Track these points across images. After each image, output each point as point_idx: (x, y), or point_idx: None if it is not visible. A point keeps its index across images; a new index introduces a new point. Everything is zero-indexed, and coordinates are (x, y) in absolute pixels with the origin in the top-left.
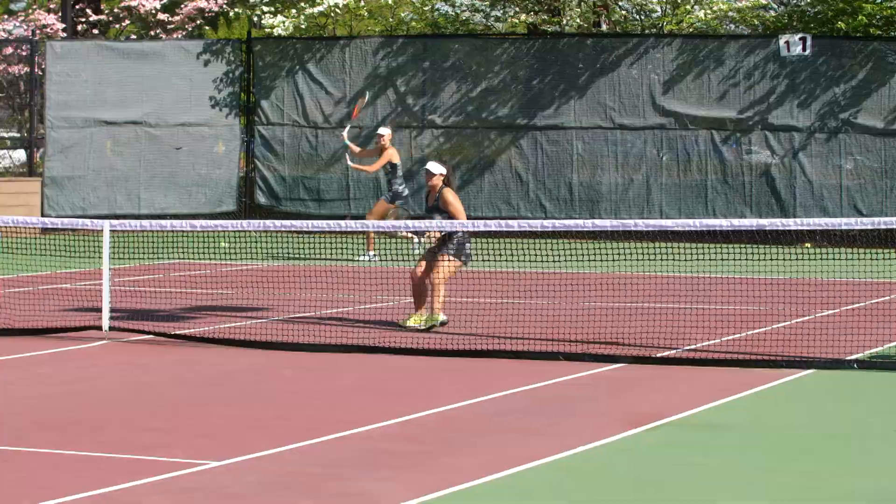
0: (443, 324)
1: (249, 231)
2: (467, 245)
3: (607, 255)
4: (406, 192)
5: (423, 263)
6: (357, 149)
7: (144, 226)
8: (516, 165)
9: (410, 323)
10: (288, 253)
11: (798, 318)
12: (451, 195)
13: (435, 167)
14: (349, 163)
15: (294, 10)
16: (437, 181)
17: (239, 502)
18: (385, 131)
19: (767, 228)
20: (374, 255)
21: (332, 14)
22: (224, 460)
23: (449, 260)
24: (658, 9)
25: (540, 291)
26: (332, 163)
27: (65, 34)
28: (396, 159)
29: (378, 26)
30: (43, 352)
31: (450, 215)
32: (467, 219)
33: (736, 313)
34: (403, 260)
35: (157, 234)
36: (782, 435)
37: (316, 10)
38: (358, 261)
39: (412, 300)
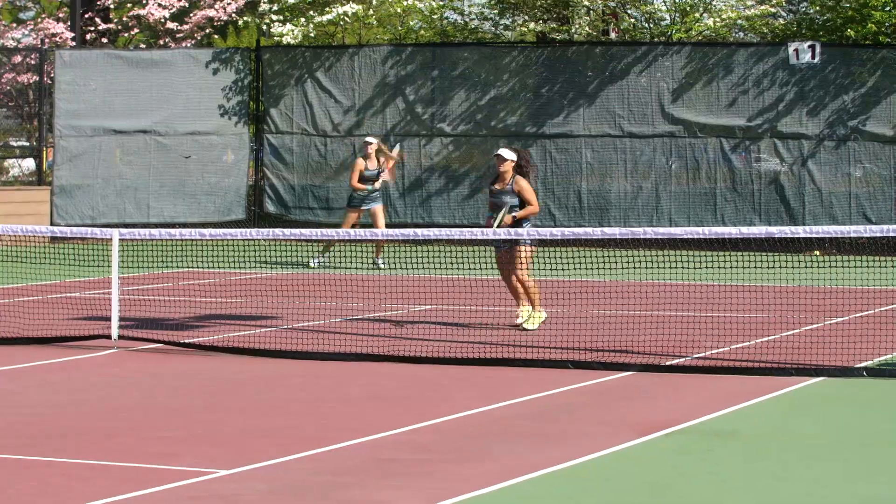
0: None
1: (258, 240)
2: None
3: (616, 263)
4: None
5: (503, 263)
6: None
7: (154, 234)
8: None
9: (529, 325)
10: (297, 261)
11: (807, 326)
12: (524, 182)
13: (507, 153)
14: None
15: (303, 19)
16: (509, 167)
17: None
18: (373, 139)
19: (776, 236)
20: (383, 262)
21: (341, 22)
22: (233, 469)
23: (526, 250)
24: (667, 17)
25: (549, 299)
26: (340, 171)
27: (74, 43)
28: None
29: (387, 35)
30: (52, 361)
31: (524, 201)
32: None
33: (745, 321)
34: (413, 268)
35: (166, 242)
36: (792, 443)
37: (325, 18)
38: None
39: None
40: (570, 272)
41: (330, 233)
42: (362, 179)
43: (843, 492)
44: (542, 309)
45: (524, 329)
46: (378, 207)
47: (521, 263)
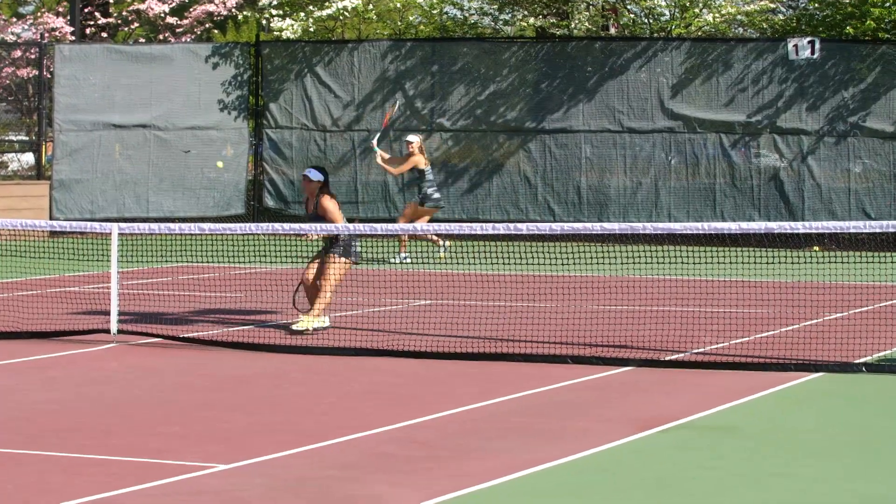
0: (320, 329)
1: (258, 234)
2: (355, 244)
3: (616, 258)
4: (437, 194)
5: (313, 266)
6: (386, 155)
7: (153, 229)
8: (525, 169)
9: (299, 326)
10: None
11: (806, 322)
12: (328, 201)
13: (314, 174)
14: (377, 160)
15: (303, 14)
16: (314, 187)
17: None
18: (414, 138)
19: (776, 232)
20: (407, 256)
21: (341, 17)
22: (233, 464)
23: (337, 261)
24: (666, 12)
25: (548, 295)
26: (340, 166)
27: (73, 37)
28: (423, 165)
29: (386, 30)
30: (51, 355)
31: (327, 222)
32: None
33: (744, 316)
34: (423, 263)
35: (165, 237)
36: (792, 438)
37: (324, 13)
38: (392, 263)
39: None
40: (569, 267)
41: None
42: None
43: (842, 488)
44: (326, 317)
45: (292, 330)
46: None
47: (333, 274)
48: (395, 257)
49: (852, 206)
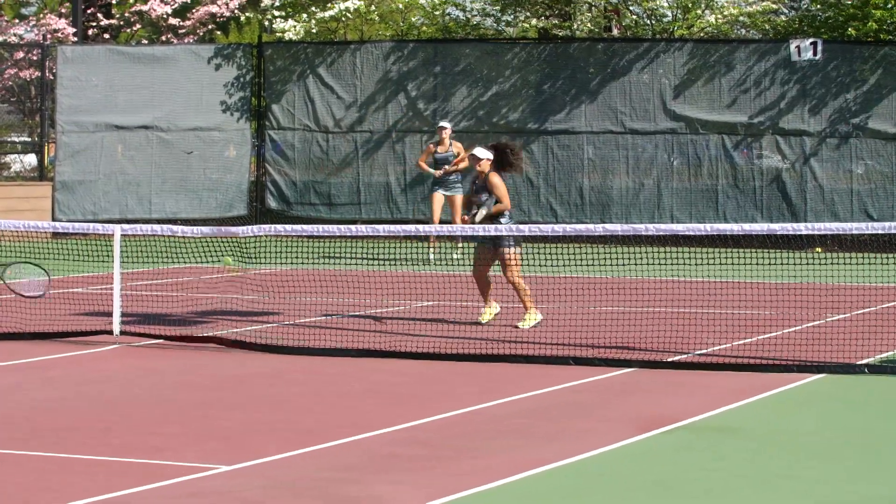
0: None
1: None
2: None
3: (618, 259)
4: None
5: (481, 265)
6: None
7: (156, 230)
8: (527, 170)
9: (522, 324)
10: (298, 257)
11: (809, 323)
12: (496, 179)
13: (481, 152)
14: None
15: (305, 15)
16: (485, 166)
17: None
18: (447, 124)
19: (778, 233)
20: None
21: (343, 18)
22: (234, 465)
23: (512, 255)
24: (669, 13)
25: (551, 295)
26: (342, 167)
27: (75, 39)
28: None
29: (389, 31)
30: (54, 356)
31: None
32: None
33: (747, 318)
34: (414, 264)
35: (167, 238)
36: (794, 440)
37: (327, 14)
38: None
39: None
40: (571, 268)
41: (429, 228)
42: (434, 163)
43: (845, 490)
44: (537, 311)
45: (516, 327)
46: (458, 196)
47: (509, 266)
48: (454, 251)
49: (855, 208)
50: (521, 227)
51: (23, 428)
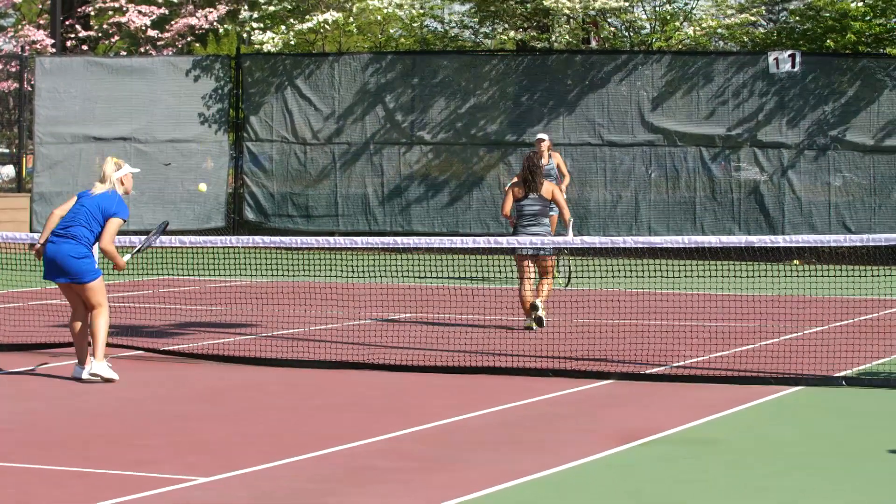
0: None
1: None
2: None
3: (595, 271)
4: None
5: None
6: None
7: (133, 242)
8: (505, 182)
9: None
10: (276, 269)
11: (787, 335)
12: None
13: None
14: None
15: (283, 27)
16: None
17: None
18: (544, 136)
19: (756, 245)
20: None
21: (322, 30)
22: (213, 476)
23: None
24: (647, 25)
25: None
26: (320, 179)
27: (54, 50)
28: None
29: (367, 42)
30: (31, 367)
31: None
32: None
33: (724, 330)
34: (393, 276)
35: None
36: (773, 452)
37: (305, 26)
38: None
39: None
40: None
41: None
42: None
43: (824, 502)
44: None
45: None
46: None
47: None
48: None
49: (832, 220)
50: (500, 239)
51: (1, 440)
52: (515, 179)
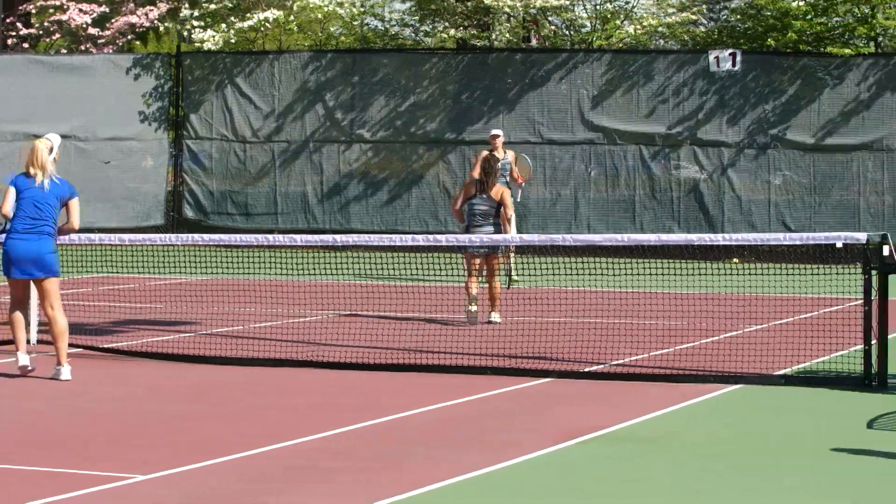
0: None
1: (177, 245)
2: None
3: (535, 269)
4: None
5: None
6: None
7: (73, 239)
8: (444, 180)
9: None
10: (215, 267)
11: (726, 334)
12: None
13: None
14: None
15: (224, 25)
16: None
17: None
18: (499, 132)
19: (695, 243)
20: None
21: (262, 28)
22: (151, 474)
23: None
24: (587, 24)
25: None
26: (260, 177)
27: None
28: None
29: (307, 41)
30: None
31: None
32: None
33: (664, 328)
34: (332, 274)
35: (84, 247)
36: (712, 450)
37: (246, 24)
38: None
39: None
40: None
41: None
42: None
43: (764, 499)
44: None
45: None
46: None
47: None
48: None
49: (772, 219)
50: (439, 237)
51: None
52: (475, 177)
